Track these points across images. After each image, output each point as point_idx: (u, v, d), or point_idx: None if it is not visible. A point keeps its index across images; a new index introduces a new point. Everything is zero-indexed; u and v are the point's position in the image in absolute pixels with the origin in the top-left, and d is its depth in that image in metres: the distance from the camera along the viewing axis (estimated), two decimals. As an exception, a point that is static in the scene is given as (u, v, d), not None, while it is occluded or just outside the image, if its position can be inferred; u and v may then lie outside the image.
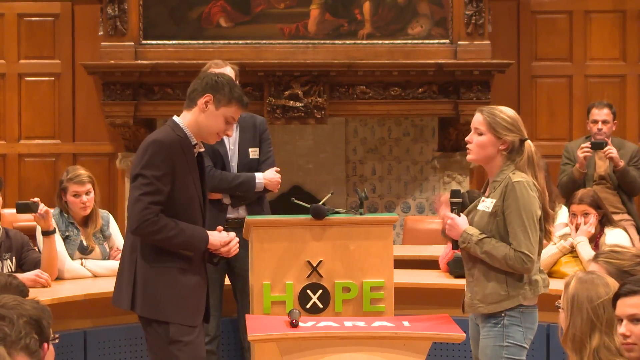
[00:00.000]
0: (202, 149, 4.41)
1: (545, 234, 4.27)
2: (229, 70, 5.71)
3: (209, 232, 4.36)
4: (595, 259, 3.81)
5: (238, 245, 4.51)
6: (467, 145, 4.32)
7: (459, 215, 4.29)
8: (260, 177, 5.66)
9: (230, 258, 5.56)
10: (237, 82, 5.72)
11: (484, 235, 4.19)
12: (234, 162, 5.72)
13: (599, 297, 3.26)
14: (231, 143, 5.75)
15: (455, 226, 4.26)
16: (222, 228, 4.49)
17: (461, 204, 4.36)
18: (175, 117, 4.37)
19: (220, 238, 4.39)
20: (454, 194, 4.38)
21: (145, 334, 4.36)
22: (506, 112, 4.28)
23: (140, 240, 4.28)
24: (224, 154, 5.72)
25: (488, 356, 4.22)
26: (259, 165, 5.73)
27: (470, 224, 4.27)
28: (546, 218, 4.25)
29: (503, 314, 4.18)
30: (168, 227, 4.20)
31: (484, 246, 4.17)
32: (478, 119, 4.28)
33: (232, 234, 4.47)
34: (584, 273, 3.43)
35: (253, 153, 5.74)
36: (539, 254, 4.26)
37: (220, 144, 5.72)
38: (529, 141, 4.25)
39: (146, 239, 4.25)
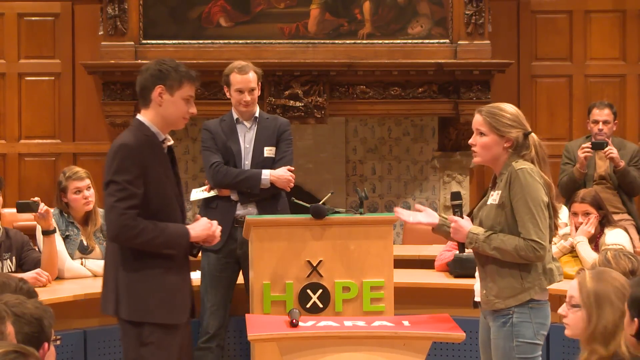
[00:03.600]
0: (171, 142, 4.37)
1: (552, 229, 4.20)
2: (251, 76, 5.69)
3: (189, 226, 4.32)
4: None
5: (221, 230, 4.47)
6: (472, 148, 4.25)
7: (462, 217, 4.24)
8: (266, 174, 5.63)
9: (241, 258, 5.59)
10: (260, 84, 5.73)
11: (490, 232, 4.13)
12: (247, 160, 5.71)
13: (623, 285, 3.26)
14: (246, 141, 5.74)
15: (460, 228, 4.20)
16: (199, 216, 4.46)
17: (462, 205, 4.33)
18: (139, 116, 4.32)
19: (202, 227, 4.35)
20: (455, 196, 4.34)
21: (121, 335, 4.33)
22: (506, 108, 4.23)
23: (120, 245, 4.27)
24: (236, 152, 5.70)
25: (500, 358, 4.16)
26: (274, 163, 5.69)
27: (481, 219, 4.22)
28: (553, 212, 4.18)
29: (511, 312, 4.12)
30: (147, 229, 4.17)
31: (492, 242, 4.11)
32: (478, 120, 4.22)
33: (215, 222, 4.42)
34: (594, 270, 3.42)
35: (268, 152, 5.71)
36: (550, 241, 4.19)
37: (235, 142, 5.71)
38: (533, 134, 4.20)
39: (127, 245, 4.22)
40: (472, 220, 4.30)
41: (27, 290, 3.84)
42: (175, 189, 4.34)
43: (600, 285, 3.30)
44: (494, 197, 4.18)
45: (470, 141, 4.27)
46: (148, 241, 4.19)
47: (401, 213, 4.41)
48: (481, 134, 4.21)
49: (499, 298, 4.14)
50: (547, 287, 4.17)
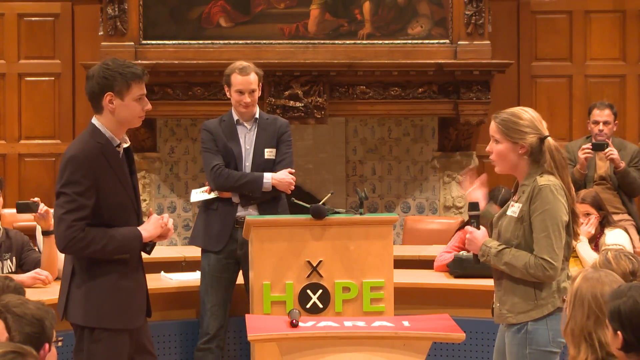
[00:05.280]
0: (128, 144, 4.34)
1: (573, 235, 4.16)
2: (252, 77, 5.69)
3: (140, 227, 4.30)
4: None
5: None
6: (490, 156, 4.20)
7: (478, 228, 4.19)
8: (268, 177, 5.63)
9: (241, 258, 5.60)
10: (260, 85, 5.72)
11: (503, 247, 4.09)
12: (248, 162, 5.70)
13: (603, 295, 3.24)
14: (247, 143, 5.74)
15: (475, 240, 4.17)
16: (151, 210, 4.46)
17: (479, 216, 4.28)
18: (94, 120, 4.28)
19: (154, 226, 4.33)
20: (472, 206, 4.28)
21: (75, 339, 4.33)
22: (520, 114, 4.15)
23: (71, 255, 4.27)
24: (237, 153, 5.70)
25: None
26: (274, 165, 5.69)
27: (500, 230, 4.18)
28: (573, 218, 4.13)
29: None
30: (96, 239, 4.16)
31: (503, 257, 4.07)
32: (492, 127, 4.17)
33: (166, 215, 4.41)
34: (592, 270, 3.40)
35: (269, 153, 5.71)
36: (568, 259, 4.15)
37: (236, 144, 5.71)
38: (549, 138, 4.12)
39: (78, 255, 4.22)
40: (492, 229, 4.26)
41: (14, 288, 3.88)
42: (131, 193, 4.32)
43: (584, 286, 3.27)
44: (514, 209, 4.13)
45: (487, 149, 4.22)
46: (99, 250, 4.18)
47: (463, 182, 4.43)
48: (496, 141, 4.16)
49: (511, 313, 4.11)
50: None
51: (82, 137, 4.29)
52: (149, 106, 4.31)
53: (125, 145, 4.32)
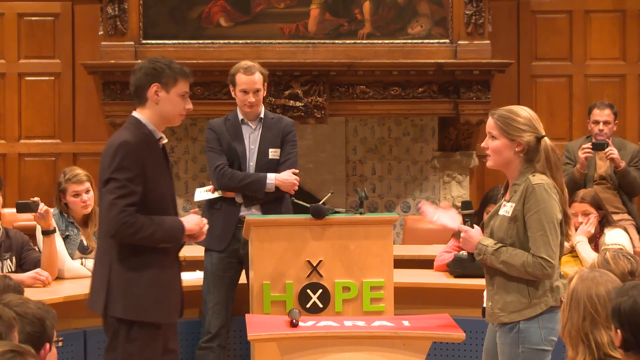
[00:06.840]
0: (166, 141, 4.40)
1: (565, 236, 4.16)
2: (257, 77, 5.70)
3: (182, 219, 4.36)
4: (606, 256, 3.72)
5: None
6: (486, 152, 4.20)
7: (472, 227, 4.19)
8: (271, 178, 5.63)
9: (244, 257, 5.61)
10: (265, 85, 5.74)
11: (499, 245, 4.08)
12: (252, 162, 5.71)
13: (598, 295, 3.24)
14: (251, 142, 5.74)
15: (470, 238, 4.15)
16: (197, 210, 4.52)
17: (473, 214, 4.27)
18: (135, 114, 4.33)
19: (195, 222, 4.39)
20: (465, 205, 4.28)
21: (108, 334, 4.32)
22: (518, 112, 4.14)
23: (116, 243, 4.27)
24: (241, 152, 5.70)
25: None
26: (278, 166, 5.69)
27: (492, 229, 4.17)
28: (565, 219, 4.13)
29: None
30: (145, 225, 4.20)
31: (500, 256, 4.06)
32: (490, 123, 4.16)
33: (205, 220, 4.46)
34: (588, 270, 3.40)
35: (273, 153, 5.71)
36: (560, 258, 4.13)
37: (240, 143, 5.71)
38: (545, 139, 4.12)
39: (126, 241, 4.23)
40: (483, 229, 4.25)
41: (13, 287, 3.89)
42: (170, 188, 4.37)
43: (580, 287, 3.27)
44: (506, 209, 4.12)
45: (482, 144, 4.22)
46: (147, 237, 4.21)
47: (426, 210, 4.34)
48: (493, 137, 4.15)
49: (504, 312, 4.10)
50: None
51: (127, 127, 4.33)
52: (190, 106, 4.37)
53: (164, 141, 4.36)
